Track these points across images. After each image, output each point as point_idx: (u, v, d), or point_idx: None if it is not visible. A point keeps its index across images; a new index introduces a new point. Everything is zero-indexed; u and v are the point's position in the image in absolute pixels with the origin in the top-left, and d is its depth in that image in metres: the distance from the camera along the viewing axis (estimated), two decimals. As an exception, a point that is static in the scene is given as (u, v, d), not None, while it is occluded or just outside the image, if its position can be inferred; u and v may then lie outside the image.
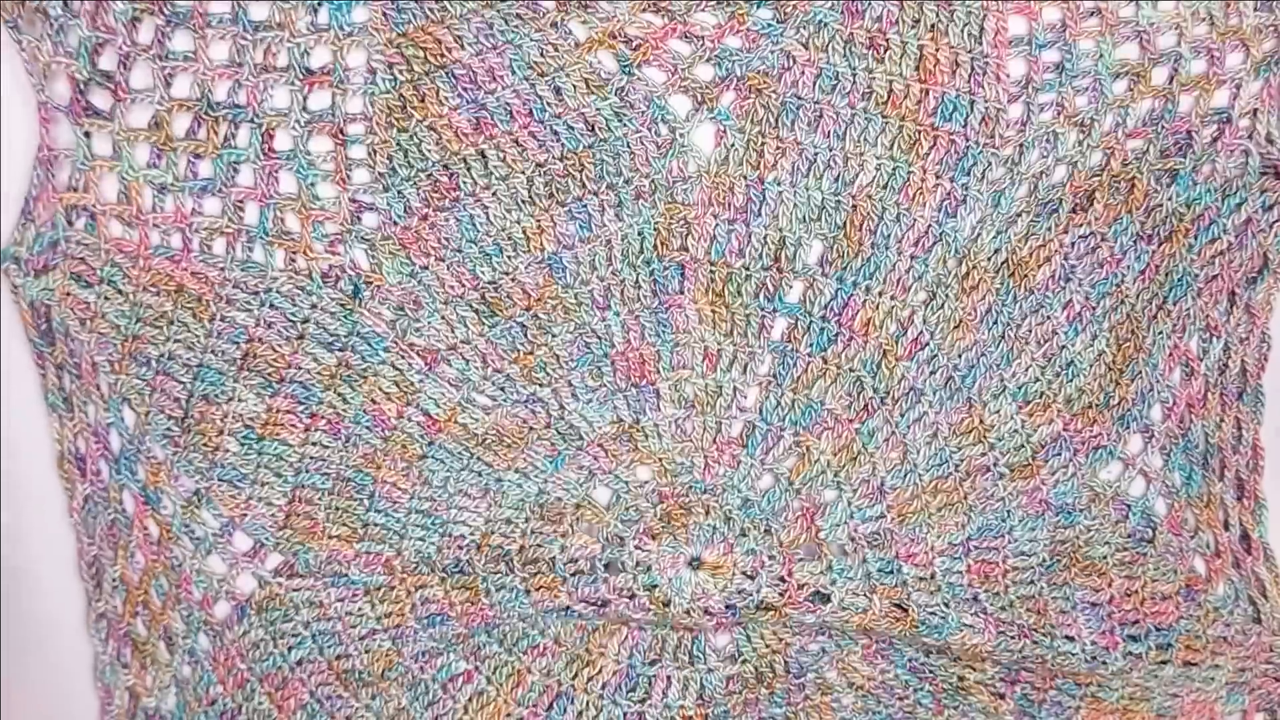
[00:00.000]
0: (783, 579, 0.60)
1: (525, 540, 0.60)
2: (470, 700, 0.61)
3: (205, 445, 0.57)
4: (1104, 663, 0.62)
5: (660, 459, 0.60)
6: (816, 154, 0.57)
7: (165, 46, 0.53)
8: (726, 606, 0.60)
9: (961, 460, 0.61)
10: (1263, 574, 0.63)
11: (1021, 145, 0.57)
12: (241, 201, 0.56)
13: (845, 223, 0.58)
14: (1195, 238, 0.59)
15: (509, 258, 0.57)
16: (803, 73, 0.56)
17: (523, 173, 0.56)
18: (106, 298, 0.56)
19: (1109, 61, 0.56)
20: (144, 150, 0.55)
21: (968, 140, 0.57)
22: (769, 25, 0.55)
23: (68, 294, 0.56)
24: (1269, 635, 0.64)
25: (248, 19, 0.53)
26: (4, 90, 0.54)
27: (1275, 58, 0.57)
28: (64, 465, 0.57)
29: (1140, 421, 0.61)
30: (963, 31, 0.55)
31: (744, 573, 0.60)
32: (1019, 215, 0.58)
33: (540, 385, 0.59)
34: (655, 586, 0.60)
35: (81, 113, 0.54)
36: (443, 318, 0.57)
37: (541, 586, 0.60)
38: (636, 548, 0.60)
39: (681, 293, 0.59)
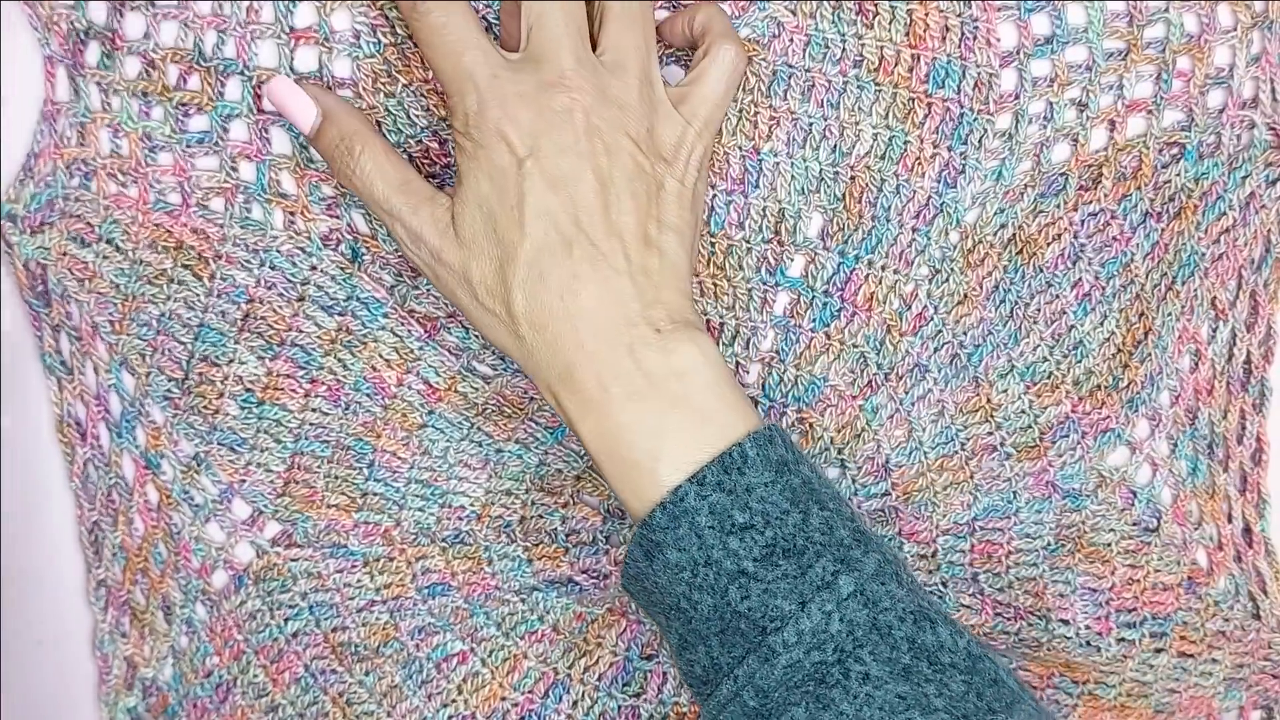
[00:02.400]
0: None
1: (526, 511, 0.59)
2: (464, 681, 0.61)
3: (205, 408, 0.58)
4: (1098, 648, 0.61)
5: (662, 432, 0.60)
6: (811, 124, 0.57)
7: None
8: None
9: (968, 439, 0.60)
10: (1263, 569, 0.62)
11: (1018, 113, 0.57)
12: (236, 158, 0.56)
13: (844, 194, 0.58)
14: (1203, 215, 0.59)
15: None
16: (792, 40, 0.56)
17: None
18: (105, 256, 0.56)
19: (1099, 28, 0.57)
20: (137, 103, 0.55)
21: (962, 107, 0.57)
22: (756, -10, 0.55)
23: (65, 253, 0.56)
24: (1268, 632, 0.62)
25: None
26: (3, 49, 0.54)
27: (1267, 21, 0.57)
28: (63, 430, 0.57)
29: (1149, 405, 0.60)
30: (950, -7, 0.55)
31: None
32: (1025, 190, 0.58)
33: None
34: (654, 560, 0.60)
35: (82, 63, 0.54)
36: (441, 284, 0.58)
37: (544, 556, 0.60)
38: (636, 521, 0.60)
39: (683, 263, 0.59)
